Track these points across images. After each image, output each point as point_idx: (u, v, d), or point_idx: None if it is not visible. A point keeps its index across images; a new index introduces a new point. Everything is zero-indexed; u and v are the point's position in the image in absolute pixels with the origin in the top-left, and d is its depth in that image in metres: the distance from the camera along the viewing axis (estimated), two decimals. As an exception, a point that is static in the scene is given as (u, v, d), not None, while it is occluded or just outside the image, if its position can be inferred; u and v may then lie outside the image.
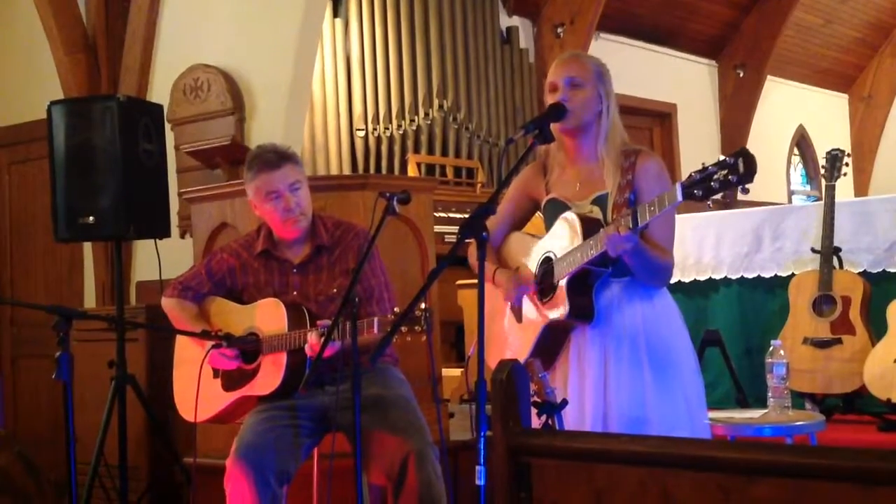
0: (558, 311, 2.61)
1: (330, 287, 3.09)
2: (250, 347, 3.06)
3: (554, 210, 2.72)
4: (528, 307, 2.75)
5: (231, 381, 3.12)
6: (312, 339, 2.87)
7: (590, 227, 2.56)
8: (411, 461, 2.84)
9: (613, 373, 2.60)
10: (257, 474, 2.87)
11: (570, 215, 2.63)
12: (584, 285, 2.60)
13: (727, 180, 2.18)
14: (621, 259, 2.51)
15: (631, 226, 2.40)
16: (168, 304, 3.23)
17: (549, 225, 2.74)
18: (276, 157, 3.08)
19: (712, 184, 2.20)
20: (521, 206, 2.89)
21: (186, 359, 3.21)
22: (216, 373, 3.14)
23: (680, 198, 2.28)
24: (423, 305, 2.58)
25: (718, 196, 2.24)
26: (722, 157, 2.20)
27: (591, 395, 2.61)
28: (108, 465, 4.05)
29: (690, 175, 2.25)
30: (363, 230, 3.17)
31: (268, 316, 3.05)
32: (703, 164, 2.26)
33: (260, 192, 3.08)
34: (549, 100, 2.69)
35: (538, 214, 2.88)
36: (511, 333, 2.80)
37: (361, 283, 2.87)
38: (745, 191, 2.20)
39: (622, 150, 2.67)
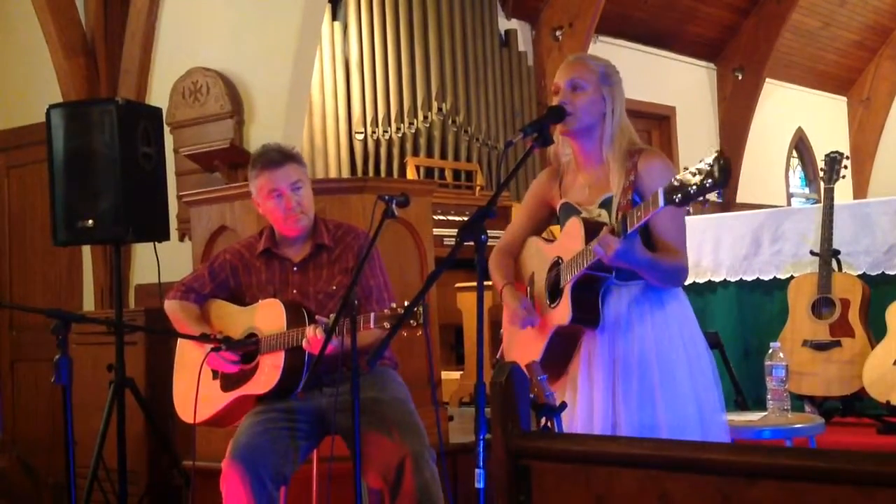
0: (563, 317, 2.59)
1: (329, 285, 3.11)
2: (249, 349, 3.07)
3: (566, 214, 2.71)
4: (543, 312, 2.73)
5: (229, 381, 3.12)
6: (310, 333, 2.87)
7: (594, 230, 2.52)
8: (408, 464, 2.83)
9: (623, 382, 2.56)
10: (253, 476, 2.86)
11: (574, 220, 2.62)
12: (589, 290, 2.57)
13: (704, 185, 2.15)
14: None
15: (620, 232, 2.38)
16: (171, 306, 3.24)
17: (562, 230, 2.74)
18: (280, 157, 3.11)
19: (690, 189, 2.18)
20: (539, 212, 2.87)
21: (187, 362, 3.22)
22: (215, 374, 3.14)
23: (662, 204, 2.24)
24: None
25: (706, 199, 2.20)
26: (700, 162, 2.18)
27: (600, 402, 2.58)
28: (108, 468, 4.05)
29: (671, 181, 2.23)
30: (364, 232, 3.18)
31: (267, 316, 3.06)
32: (684, 167, 2.24)
33: (262, 190, 3.11)
34: (554, 102, 2.68)
35: None
36: (529, 337, 2.76)
37: (360, 284, 2.87)
38: (721, 196, 2.16)
39: (627, 150, 2.63)
